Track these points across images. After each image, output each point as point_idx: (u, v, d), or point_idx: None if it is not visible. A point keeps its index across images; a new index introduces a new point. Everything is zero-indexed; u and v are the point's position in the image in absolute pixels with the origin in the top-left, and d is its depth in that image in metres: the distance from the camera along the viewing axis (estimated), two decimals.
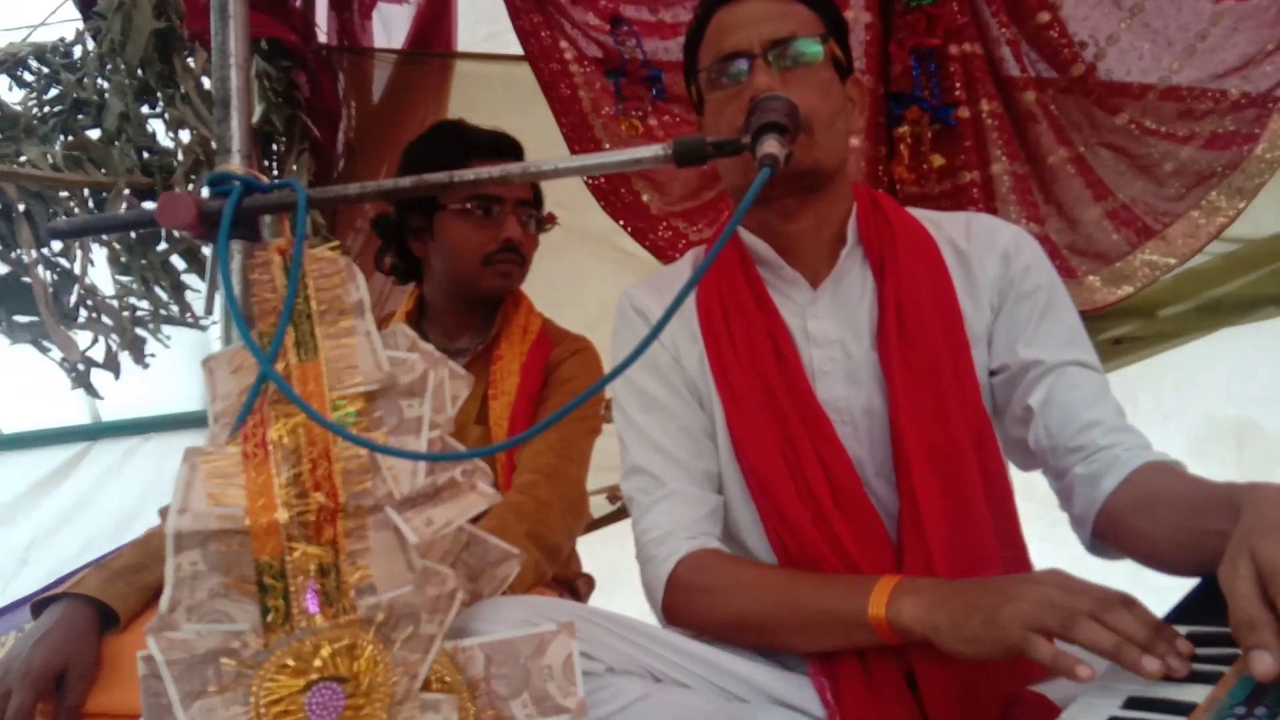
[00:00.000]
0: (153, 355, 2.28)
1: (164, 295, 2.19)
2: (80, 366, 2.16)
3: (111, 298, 2.18)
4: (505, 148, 1.62)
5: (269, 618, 0.78)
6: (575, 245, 2.23)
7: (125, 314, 2.18)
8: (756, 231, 1.18)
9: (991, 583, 0.90)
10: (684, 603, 1.07)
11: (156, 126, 2.22)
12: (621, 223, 2.03)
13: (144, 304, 2.20)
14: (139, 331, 2.21)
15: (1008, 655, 0.84)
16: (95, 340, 2.16)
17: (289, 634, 0.78)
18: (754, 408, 1.12)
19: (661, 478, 1.14)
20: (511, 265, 1.58)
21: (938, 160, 1.88)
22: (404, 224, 1.64)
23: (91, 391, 2.23)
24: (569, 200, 2.00)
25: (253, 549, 0.78)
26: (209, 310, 0.98)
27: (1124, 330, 2.09)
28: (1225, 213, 1.78)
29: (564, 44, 2.00)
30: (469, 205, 1.56)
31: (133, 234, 2.14)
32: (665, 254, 2.00)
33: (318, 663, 0.77)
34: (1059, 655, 0.79)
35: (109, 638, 1.17)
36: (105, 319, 2.14)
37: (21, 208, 1.96)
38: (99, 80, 2.15)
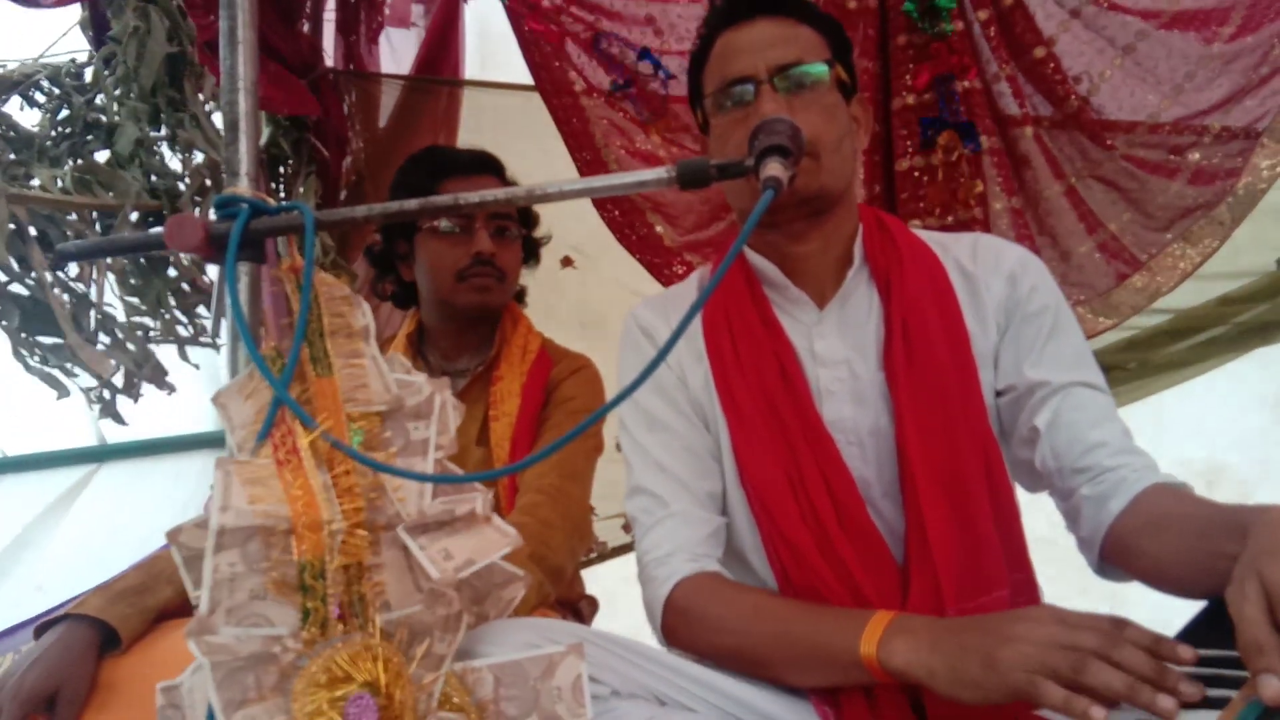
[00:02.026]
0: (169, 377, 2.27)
1: (177, 315, 2.19)
2: (105, 393, 2.16)
3: (123, 324, 2.19)
4: (482, 164, 1.61)
5: (308, 620, 0.76)
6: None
7: (139, 334, 2.19)
8: (763, 252, 1.19)
9: (985, 623, 0.87)
10: (681, 627, 1.06)
11: (164, 150, 2.24)
12: (637, 257, 2.05)
13: (155, 325, 2.21)
14: (158, 357, 2.21)
15: (1010, 700, 0.81)
16: (117, 366, 2.16)
17: (326, 640, 0.77)
18: (759, 428, 1.12)
19: (664, 498, 1.13)
20: (487, 279, 1.55)
21: (978, 186, 1.89)
22: (392, 251, 1.64)
23: (118, 418, 2.22)
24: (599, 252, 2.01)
25: (295, 548, 0.76)
26: (216, 332, 0.98)
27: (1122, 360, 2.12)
28: (1208, 245, 1.82)
29: (573, 74, 2.01)
30: (438, 224, 1.55)
31: (141, 259, 2.16)
32: None
33: (353, 672, 0.76)
34: (1071, 698, 0.76)
35: (109, 660, 1.16)
36: (129, 345, 2.14)
37: (33, 231, 1.97)
38: (112, 104, 2.17)
